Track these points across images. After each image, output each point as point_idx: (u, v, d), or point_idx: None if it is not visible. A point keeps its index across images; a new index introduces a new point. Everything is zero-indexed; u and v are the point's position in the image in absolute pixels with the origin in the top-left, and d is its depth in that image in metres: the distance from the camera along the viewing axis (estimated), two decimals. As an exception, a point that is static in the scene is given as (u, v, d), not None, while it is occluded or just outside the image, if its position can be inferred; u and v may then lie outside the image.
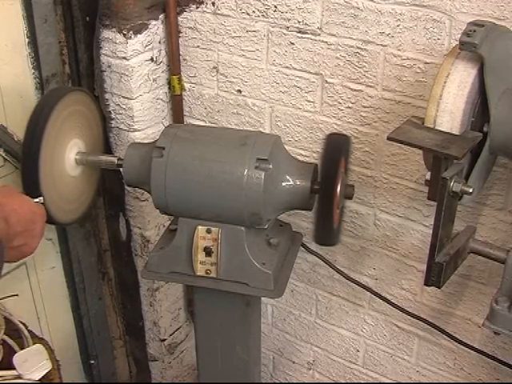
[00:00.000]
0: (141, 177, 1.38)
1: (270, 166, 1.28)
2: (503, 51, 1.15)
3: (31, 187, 1.31)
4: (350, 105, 1.52)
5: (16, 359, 1.20)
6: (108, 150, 1.77)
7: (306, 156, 1.64)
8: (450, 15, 1.30)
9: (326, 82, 1.53)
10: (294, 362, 2.04)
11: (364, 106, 1.50)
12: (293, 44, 1.53)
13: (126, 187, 1.81)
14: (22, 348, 1.27)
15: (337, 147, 1.31)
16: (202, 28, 1.66)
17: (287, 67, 1.57)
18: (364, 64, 1.45)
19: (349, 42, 1.45)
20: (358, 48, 1.45)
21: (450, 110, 1.13)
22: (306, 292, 1.86)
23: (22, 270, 1.73)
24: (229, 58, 1.65)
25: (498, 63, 1.14)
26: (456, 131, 1.13)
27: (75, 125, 1.46)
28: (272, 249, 1.41)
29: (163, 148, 1.32)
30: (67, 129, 1.42)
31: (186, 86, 1.77)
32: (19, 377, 1.18)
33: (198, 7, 1.64)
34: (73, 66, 1.71)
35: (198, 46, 1.69)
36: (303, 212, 1.59)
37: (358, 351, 1.86)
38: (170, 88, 1.76)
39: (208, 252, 1.36)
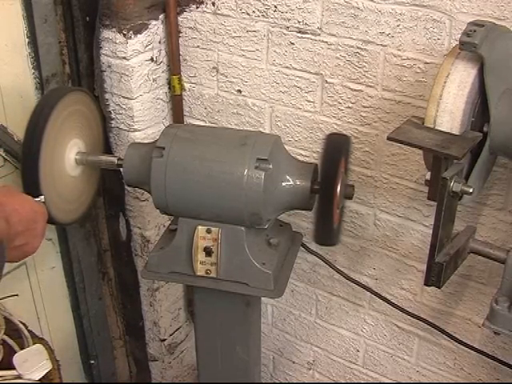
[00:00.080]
0: (141, 177, 1.38)
1: (270, 166, 1.28)
2: (503, 51, 1.15)
3: (31, 187, 1.31)
4: (350, 105, 1.52)
5: (16, 359, 1.20)
6: (108, 149, 1.77)
7: (306, 156, 1.64)
8: (450, 15, 1.30)
9: (326, 82, 1.53)
10: (294, 362, 2.04)
11: (364, 106, 1.50)
12: (293, 44, 1.53)
13: (126, 187, 1.81)
14: (22, 348, 1.27)
15: (337, 147, 1.31)
16: (202, 28, 1.66)
17: (287, 67, 1.57)
18: (364, 64, 1.45)
19: (349, 41, 1.45)
20: (358, 48, 1.45)
21: (450, 110, 1.13)
22: (306, 292, 1.86)
23: (21, 270, 1.73)
24: (229, 57, 1.65)
25: (498, 63, 1.14)
26: (456, 131, 1.13)
27: (75, 125, 1.46)
28: (272, 249, 1.41)
29: (163, 148, 1.32)
30: (67, 129, 1.42)
31: (186, 85, 1.77)
32: (19, 377, 1.18)
33: (198, 7, 1.64)
34: (73, 66, 1.71)
35: (198, 46, 1.69)
36: (303, 212, 1.59)
37: (358, 351, 1.86)
38: (170, 88, 1.76)
39: (208, 252, 1.36)
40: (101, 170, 1.60)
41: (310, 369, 2.01)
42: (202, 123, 1.79)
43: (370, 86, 1.47)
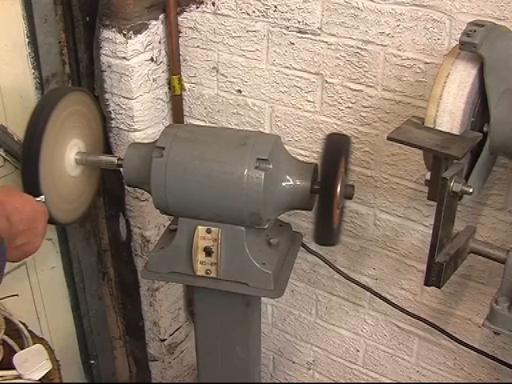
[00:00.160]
0: (141, 177, 1.38)
1: (270, 166, 1.28)
2: (503, 51, 1.15)
3: (31, 187, 1.31)
4: (350, 105, 1.52)
5: (16, 359, 1.20)
6: (108, 150, 1.77)
7: (306, 156, 1.64)
8: (450, 15, 1.30)
9: (326, 82, 1.53)
10: (294, 362, 2.04)
11: (364, 106, 1.50)
12: (293, 44, 1.53)
13: (126, 187, 1.81)
14: (22, 348, 1.27)
15: (337, 147, 1.31)
16: (202, 28, 1.66)
17: (287, 67, 1.57)
18: (364, 64, 1.45)
19: (349, 41, 1.45)
20: (358, 48, 1.45)
21: (450, 110, 1.13)
22: (306, 292, 1.86)
23: (22, 270, 1.73)
24: (229, 57, 1.65)
25: (498, 63, 1.14)
26: (456, 131, 1.13)
27: (75, 125, 1.46)
28: (272, 249, 1.41)
29: (163, 148, 1.32)
30: (67, 129, 1.42)
31: (186, 85, 1.77)
32: (19, 377, 1.18)
33: (198, 7, 1.64)
34: (73, 66, 1.71)
35: (198, 46, 1.69)
36: (303, 212, 1.59)
37: (358, 351, 1.86)
38: (170, 88, 1.76)
39: (208, 252, 1.36)
40: (101, 170, 1.60)
41: (309, 369, 2.01)
42: (202, 123, 1.79)
43: (370, 86, 1.47)
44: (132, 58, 1.63)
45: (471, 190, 1.11)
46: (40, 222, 1.18)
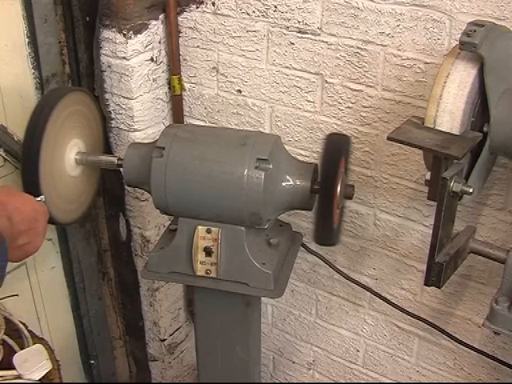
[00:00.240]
0: (141, 177, 1.38)
1: (270, 166, 1.28)
2: (503, 51, 1.15)
3: (31, 187, 1.31)
4: (350, 105, 1.52)
5: (16, 359, 1.20)
6: (108, 150, 1.77)
7: (306, 156, 1.64)
8: (450, 15, 1.30)
9: (326, 82, 1.53)
10: (294, 362, 2.04)
11: (364, 106, 1.50)
12: (293, 44, 1.53)
13: (126, 187, 1.81)
14: (22, 348, 1.27)
15: (337, 147, 1.31)
16: (202, 28, 1.66)
17: (287, 67, 1.57)
18: (364, 64, 1.45)
19: (349, 41, 1.45)
20: (358, 48, 1.45)
21: (450, 110, 1.13)
22: (306, 292, 1.86)
23: (22, 270, 1.73)
24: (229, 57, 1.65)
25: (498, 63, 1.14)
26: (456, 131, 1.13)
27: (75, 125, 1.46)
28: (272, 249, 1.41)
29: (163, 148, 1.32)
30: (67, 129, 1.42)
31: (186, 85, 1.77)
32: (19, 377, 1.18)
33: (198, 7, 1.64)
34: (73, 66, 1.71)
35: (198, 46, 1.69)
36: (303, 212, 1.59)
37: (358, 351, 1.86)
38: (170, 88, 1.76)
39: (208, 252, 1.36)
40: (101, 170, 1.60)
41: (309, 369, 2.01)
42: (202, 123, 1.79)
43: (370, 86, 1.47)
44: (132, 58, 1.63)
45: (471, 190, 1.11)
46: (41, 222, 1.19)
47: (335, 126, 1.56)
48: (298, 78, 1.57)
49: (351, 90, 1.50)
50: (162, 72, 1.74)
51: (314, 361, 1.98)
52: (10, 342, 1.28)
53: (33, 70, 1.60)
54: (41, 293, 1.82)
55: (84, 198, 1.55)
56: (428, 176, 1.20)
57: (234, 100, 1.70)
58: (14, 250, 1.10)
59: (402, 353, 1.76)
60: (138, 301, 2.02)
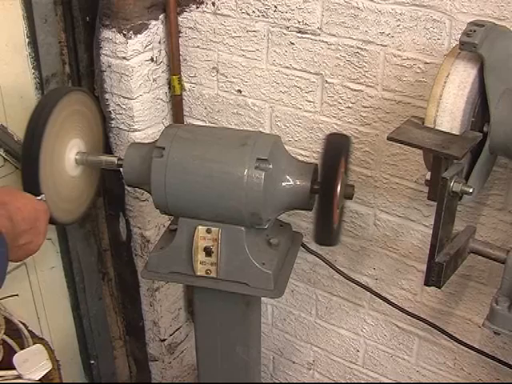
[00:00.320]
0: (141, 177, 1.38)
1: (270, 166, 1.28)
2: (503, 51, 1.15)
3: (31, 187, 1.31)
4: (350, 105, 1.52)
5: (16, 359, 1.20)
6: (108, 150, 1.77)
7: (306, 156, 1.64)
8: (450, 15, 1.30)
9: (326, 82, 1.53)
10: (294, 362, 2.04)
11: (364, 106, 1.50)
12: (293, 44, 1.53)
13: (126, 187, 1.81)
14: (22, 348, 1.27)
15: (337, 147, 1.31)
16: (202, 28, 1.66)
17: (287, 67, 1.57)
18: (364, 64, 1.45)
19: (349, 41, 1.45)
20: (358, 48, 1.45)
21: (450, 110, 1.13)
22: (306, 292, 1.86)
23: (22, 270, 1.73)
24: (229, 57, 1.65)
25: (498, 63, 1.14)
26: (456, 131, 1.13)
27: (75, 125, 1.46)
28: (272, 249, 1.41)
29: (163, 148, 1.32)
30: (67, 129, 1.42)
31: (186, 85, 1.77)
32: (19, 377, 1.18)
33: (198, 7, 1.64)
34: (73, 66, 1.71)
35: (198, 46, 1.69)
36: (303, 212, 1.59)
37: (358, 351, 1.86)
38: (170, 88, 1.76)
39: (208, 252, 1.36)
40: (101, 170, 1.60)
41: (310, 369, 2.01)
42: (202, 123, 1.79)
43: (370, 86, 1.47)
44: (132, 57, 1.63)
45: (471, 190, 1.11)
46: (42, 221, 1.19)
47: (335, 126, 1.56)
48: (298, 78, 1.57)
49: (351, 90, 1.50)
50: (162, 72, 1.74)
51: (313, 361, 1.98)
52: (10, 341, 1.29)
53: (33, 70, 1.60)
54: (41, 293, 1.82)
55: (84, 198, 1.55)
56: (428, 176, 1.20)
57: (234, 100, 1.70)
58: (15, 250, 1.10)
59: (401, 353, 1.76)
60: (138, 301, 2.02)
